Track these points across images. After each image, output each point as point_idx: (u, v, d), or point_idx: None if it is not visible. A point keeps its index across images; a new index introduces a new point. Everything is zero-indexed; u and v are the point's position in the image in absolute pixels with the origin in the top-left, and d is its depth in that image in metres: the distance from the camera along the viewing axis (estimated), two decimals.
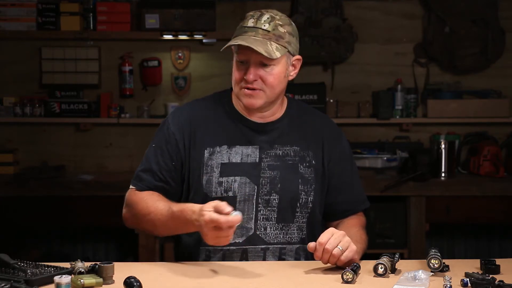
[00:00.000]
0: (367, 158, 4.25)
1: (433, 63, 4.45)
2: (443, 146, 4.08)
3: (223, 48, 2.06)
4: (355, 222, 2.18)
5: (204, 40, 4.29)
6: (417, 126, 4.42)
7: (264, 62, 2.02)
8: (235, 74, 2.07)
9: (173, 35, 4.27)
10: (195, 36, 4.26)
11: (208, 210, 1.82)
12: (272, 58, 2.00)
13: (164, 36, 4.26)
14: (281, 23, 2.04)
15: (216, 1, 4.25)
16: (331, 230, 1.90)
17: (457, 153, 4.31)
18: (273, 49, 2.00)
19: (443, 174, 4.06)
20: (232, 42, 2.02)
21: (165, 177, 2.11)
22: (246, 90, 2.05)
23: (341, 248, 1.86)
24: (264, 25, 2.02)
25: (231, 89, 2.17)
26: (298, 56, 2.12)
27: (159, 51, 4.43)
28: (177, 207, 1.98)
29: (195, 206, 1.90)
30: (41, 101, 4.30)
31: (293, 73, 2.13)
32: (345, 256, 1.86)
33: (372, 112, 4.39)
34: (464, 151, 4.39)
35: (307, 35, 4.31)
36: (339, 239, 1.87)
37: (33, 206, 3.93)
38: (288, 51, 2.05)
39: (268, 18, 2.03)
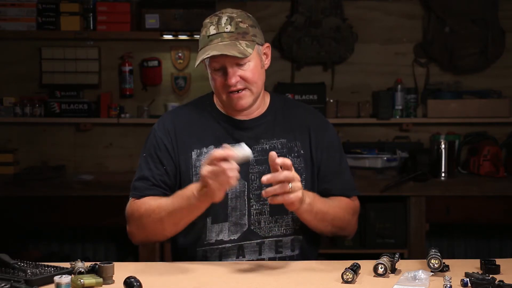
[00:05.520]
0: (367, 158, 4.25)
1: (433, 63, 4.45)
2: (443, 146, 4.07)
3: (197, 64, 2.05)
4: (341, 198, 2.18)
5: None
6: (417, 126, 4.42)
7: (239, 62, 2.03)
8: (216, 84, 2.08)
9: (173, 35, 4.27)
10: (195, 36, 4.26)
11: (203, 167, 1.87)
12: (247, 56, 2.02)
13: (164, 36, 4.26)
14: (240, 19, 2.05)
15: (216, 1, 4.25)
16: (290, 165, 1.87)
17: (457, 153, 4.31)
18: (244, 47, 2.01)
19: (443, 174, 4.06)
20: (204, 56, 2.02)
21: (158, 182, 2.12)
22: (232, 94, 2.06)
23: (291, 187, 1.85)
24: (226, 28, 2.03)
25: (213, 91, 2.18)
26: (267, 44, 2.14)
27: (159, 51, 4.43)
28: (178, 192, 2.02)
29: (195, 184, 1.95)
30: (41, 101, 4.30)
31: (267, 61, 2.14)
32: (288, 198, 1.86)
33: (372, 112, 4.39)
34: (464, 151, 4.39)
35: (307, 35, 4.31)
36: (293, 179, 1.85)
37: (33, 206, 3.93)
38: (257, 43, 2.07)
39: (227, 19, 2.04)
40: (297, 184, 1.88)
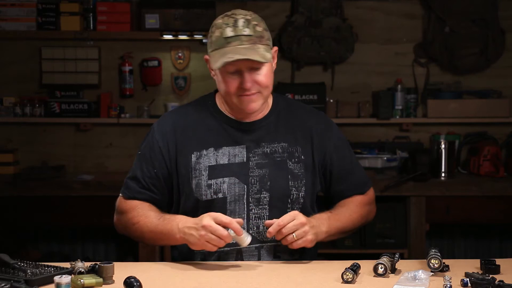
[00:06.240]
0: (367, 158, 4.25)
1: (433, 63, 4.45)
2: (443, 146, 4.08)
3: (218, 67, 1.99)
4: (354, 199, 2.23)
5: (204, 40, 4.29)
6: (417, 126, 4.42)
7: (255, 66, 2.01)
8: (229, 87, 2.03)
9: (173, 35, 4.27)
10: (195, 36, 4.27)
11: (209, 217, 1.93)
12: (268, 62, 2.00)
13: (164, 36, 4.26)
14: (255, 22, 2.02)
15: (216, 1, 4.25)
16: (293, 214, 1.98)
17: (457, 153, 4.31)
18: (263, 52, 2.00)
19: (443, 174, 4.06)
20: (226, 59, 1.96)
21: (148, 185, 2.12)
22: (245, 97, 2.04)
23: (295, 236, 1.95)
24: (244, 31, 1.99)
25: (215, 91, 2.17)
26: (275, 48, 2.11)
27: (159, 51, 4.43)
28: (168, 215, 2.07)
29: (187, 219, 2.00)
30: (41, 101, 4.30)
31: (274, 64, 2.12)
32: (297, 244, 1.97)
33: (372, 112, 4.39)
34: (464, 151, 4.39)
35: (307, 35, 4.31)
36: (296, 227, 1.96)
37: (33, 206, 3.93)
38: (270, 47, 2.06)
39: (244, 22, 2.00)
40: (303, 229, 1.96)
